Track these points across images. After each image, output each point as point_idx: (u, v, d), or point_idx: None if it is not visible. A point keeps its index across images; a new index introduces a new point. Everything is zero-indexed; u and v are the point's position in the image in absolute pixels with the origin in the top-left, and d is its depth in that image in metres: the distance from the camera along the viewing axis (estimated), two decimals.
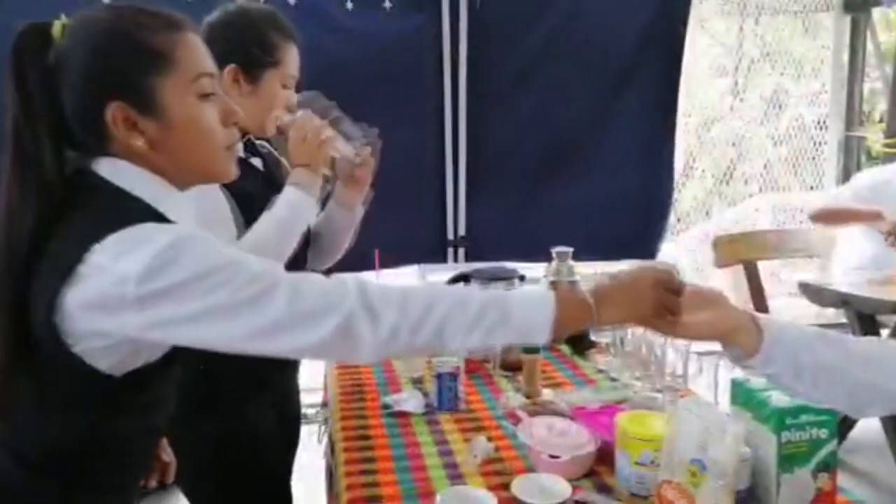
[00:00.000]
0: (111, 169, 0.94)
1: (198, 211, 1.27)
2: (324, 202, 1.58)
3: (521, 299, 0.95)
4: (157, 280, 0.83)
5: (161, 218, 0.92)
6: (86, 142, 0.94)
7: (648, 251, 3.35)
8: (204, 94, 0.97)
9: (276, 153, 1.61)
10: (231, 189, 1.35)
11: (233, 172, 1.04)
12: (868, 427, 2.87)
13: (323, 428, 1.79)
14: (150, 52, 0.92)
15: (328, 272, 1.78)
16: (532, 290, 0.97)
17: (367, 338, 0.89)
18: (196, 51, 0.98)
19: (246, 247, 1.32)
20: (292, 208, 1.38)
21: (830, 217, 3.17)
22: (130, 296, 0.83)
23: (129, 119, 0.92)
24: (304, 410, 1.74)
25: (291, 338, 0.88)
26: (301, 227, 1.41)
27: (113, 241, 0.85)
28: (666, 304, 0.97)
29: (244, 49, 1.40)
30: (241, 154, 1.45)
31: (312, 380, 2.09)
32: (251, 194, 1.39)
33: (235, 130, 1.03)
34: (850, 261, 3.27)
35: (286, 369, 1.59)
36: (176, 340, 0.91)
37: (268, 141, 1.57)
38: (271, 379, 1.51)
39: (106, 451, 0.96)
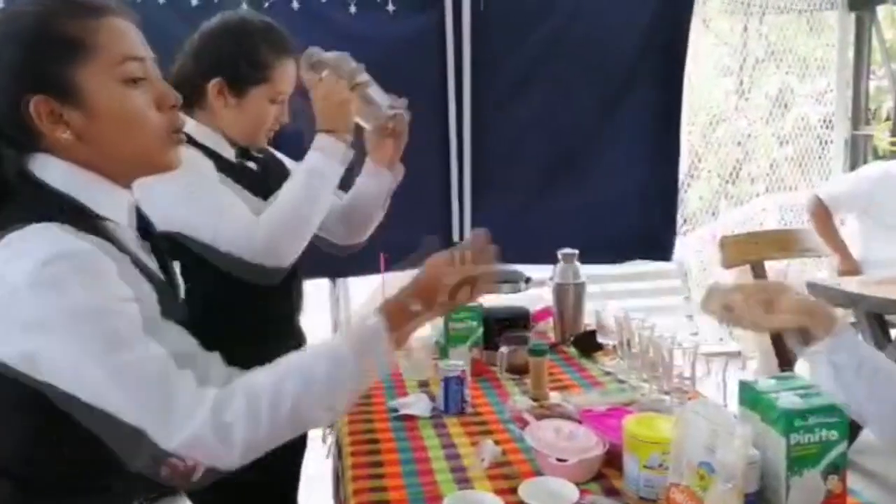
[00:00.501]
0: (42, 166, 0.91)
1: (187, 185, 1.27)
2: (345, 181, 1.52)
3: (356, 346, 1.01)
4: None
5: (88, 216, 0.90)
6: (17, 138, 0.90)
7: (657, 252, 3.34)
8: (131, 79, 0.93)
9: (277, 157, 1.61)
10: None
11: (176, 161, 1.01)
12: None
13: (328, 431, 1.79)
14: (66, 40, 0.89)
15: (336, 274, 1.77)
16: (362, 325, 1.04)
17: (223, 454, 0.92)
18: (120, 35, 0.94)
19: (268, 216, 1.33)
20: (313, 174, 1.36)
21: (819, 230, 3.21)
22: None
23: (53, 112, 0.89)
24: None
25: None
26: (325, 192, 1.38)
27: (11, 239, 0.84)
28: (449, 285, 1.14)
29: (232, 63, 1.38)
30: (233, 159, 1.45)
31: None
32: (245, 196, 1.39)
33: (176, 114, 0.99)
34: (858, 258, 3.26)
35: None
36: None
37: (264, 149, 1.57)
38: None
39: (68, 453, 0.91)
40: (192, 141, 1.39)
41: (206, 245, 1.32)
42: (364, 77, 1.44)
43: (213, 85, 1.38)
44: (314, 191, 1.36)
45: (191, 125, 1.41)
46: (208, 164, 1.35)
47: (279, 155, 1.63)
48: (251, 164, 1.49)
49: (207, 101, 1.40)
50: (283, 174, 1.59)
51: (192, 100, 1.41)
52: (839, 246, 3.15)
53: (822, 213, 3.20)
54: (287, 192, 1.35)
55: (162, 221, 1.33)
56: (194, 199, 1.31)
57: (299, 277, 1.53)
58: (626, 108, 3.18)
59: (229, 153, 1.44)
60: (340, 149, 1.38)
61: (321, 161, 1.37)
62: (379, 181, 1.61)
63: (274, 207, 1.33)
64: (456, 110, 3.07)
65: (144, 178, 1.02)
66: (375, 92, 1.47)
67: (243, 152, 1.48)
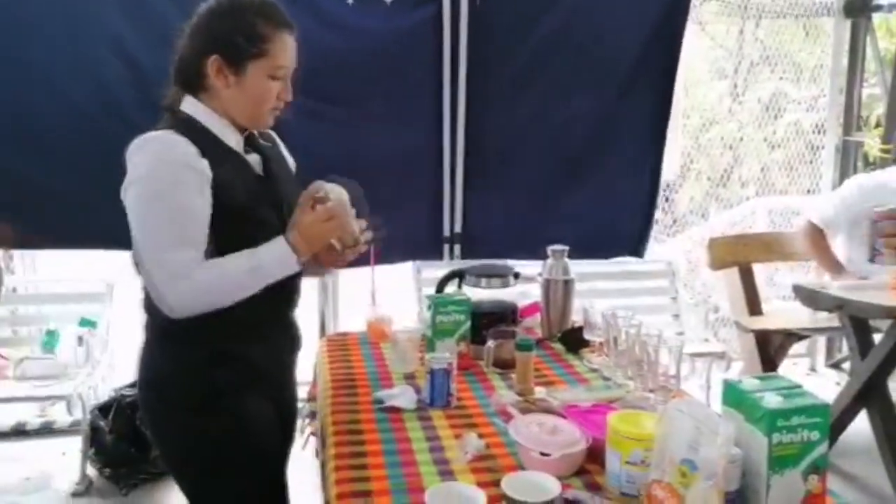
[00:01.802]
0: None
1: (149, 201, 1.32)
2: None
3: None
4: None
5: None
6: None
7: (635, 250, 3.38)
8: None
9: (282, 151, 1.60)
10: (218, 177, 1.34)
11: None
12: (859, 431, 2.88)
13: (306, 421, 1.79)
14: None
15: None
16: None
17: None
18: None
19: (210, 269, 1.32)
20: (277, 265, 1.36)
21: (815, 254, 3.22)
22: None
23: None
24: (300, 405, 1.73)
25: None
26: (273, 280, 1.37)
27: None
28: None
29: (228, 38, 1.36)
30: (237, 148, 1.44)
31: (303, 373, 2.09)
32: (236, 188, 1.37)
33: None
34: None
35: (284, 363, 1.59)
36: None
37: (272, 138, 1.56)
38: (269, 373, 1.50)
39: None
40: (197, 126, 1.38)
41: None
42: (350, 213, 1.44)
43: (211, 62, 1.36)
44: (250, 285, 1.35)
45: (198, 109, 1.40)
46: (190, 185, 1.32)
47: (283, 147, 1.61)
48: (255, 156, 1.47)
49: (209, 81, 1.38)
50: (286, 167, 1.58)
51: (195, 83, 1.40)
52: (836, 268, 3.16)
53: (818, 238, 3.19)
54: (227, 277, 1.34)
55: (130, 215, 1.33)
56: (151, 223, 1.32)
57: (300, 274, 1.53)
58: (620, 109, 3.20)
59: (235, 141, 1.43)
60: (294, 266, 1.38)
61: (272, 265, 1.36)
62: (312, 271, 1.58)
63: (207, 282, 1.32)
64: (450, 105, 3.07)
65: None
66: (352, 226, 1.46)
67: (248, 140, 1.47)
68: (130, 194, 1.32)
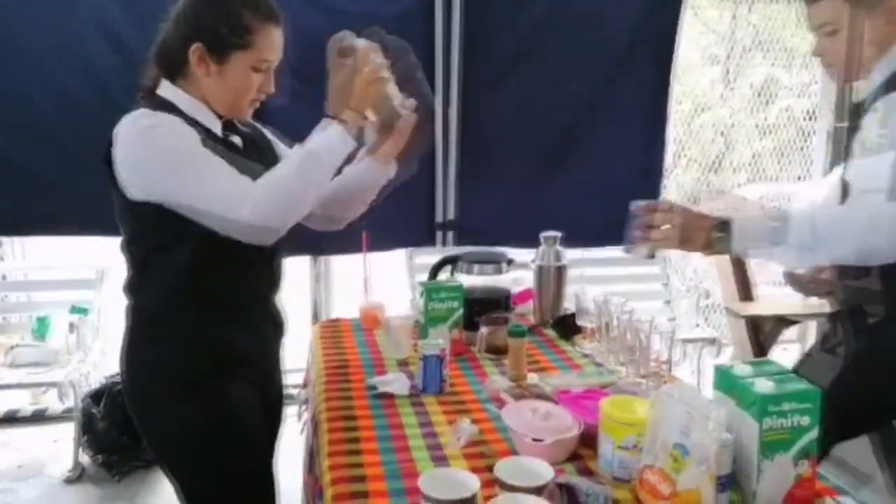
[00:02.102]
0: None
1: (169, 156, 1.30)
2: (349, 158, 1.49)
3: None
4: None
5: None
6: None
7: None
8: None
9: (262, 132, 1.59)
10: None
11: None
12: None
13: (303, 408, 1.79)
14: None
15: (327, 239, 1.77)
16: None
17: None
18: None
19: (270, 175, 1.31)
20: (329, 141, 1.34)
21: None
22: None
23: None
24: (287, 391, 1.73)
25: None
26: (320, 176, 1.35)
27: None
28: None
29: (212, 26, 1.34)
30: (219, 133, 1.43)
31: (296, 360, 2.09)
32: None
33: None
34: None
35: (268, 348, 1.59)
36: None
37: (249, 123, 1.55)
38: (252, 357, 1.50)
39: None
40: (178, 111, 1.37)
41: (194, 212, 1.31)
42: (387, 73, 1.41)
43: (193, 50, 1.34)
44: (310, 172, 1.33)
45: (177, 95, 1.39)
46: (191, 132, 1.32)
47: (266, 131, 1.60)
48: (236, 139, 1.46)
49: (189, 68, 1.37)
50: (269, 150, 1.56)
51: (176, 68, 1.39)
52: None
53: None
54: (281, 168, 1.33)
55: (142, 190, 1.31)
56: (176, 170, 1.29)
57: (279, 255, 1.52)
58: (615, 94, 3.18)
59: (215, 125, 1.42)
60: (343, 142, 1.36)
61: (324, 144, 1.35)
62: (371, 174, 1.57)
63: (265, 183, 1.30)
64: (444, 91, 3.05)
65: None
66: (391, 90, 1.44)
67: (227, 125, 1.46)
68: (142, 166, 1.30)
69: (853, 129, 1.50)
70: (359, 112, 1.40)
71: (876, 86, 1.47)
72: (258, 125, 1.58)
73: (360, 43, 1.40)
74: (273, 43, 1.39)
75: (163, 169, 1.30)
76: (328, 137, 1.35)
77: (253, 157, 1.47)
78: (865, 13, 1.44)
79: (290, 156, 1.36)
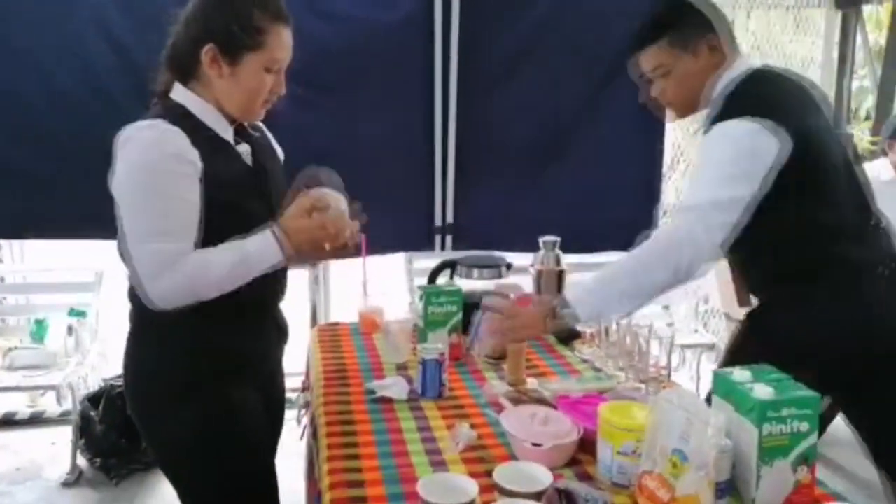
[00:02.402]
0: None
1: (142, 189, 1.30)
2: None
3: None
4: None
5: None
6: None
7: (634, 241, 3.36)
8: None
9: (270, 140, 1.59)
10: (209, 167, 1.33)
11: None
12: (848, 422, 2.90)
13: (302, 412, 1.79)
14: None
15: None
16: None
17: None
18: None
19: (197, 260, 1.31)
20: (265, 259, 1.34)
21: None
22: None
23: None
24: (287, 394, 1.73)
25: None
26: (258, 274, 1.36)
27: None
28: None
29: (224, 27, 1.34)
30: (229, 138, 1.43)
31: (295, 363, 2.09)
32: (225, 179, 1.36)
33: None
34: None
35: (270, 352, 1.59)
36: None
37: (260, 128, 1.55)
38: (253, 361, 1.50)
39: None
40: (190, 116, 1.36)
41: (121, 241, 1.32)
42: (344, 209, 1.43)
43: (205, 52, 1.34)
44: (235, 277, 1.34)
45: (189, 98, 1.38)
46: (184, 168, 1.30)
47: (271, 138, 1.60)
48: (245, 147, 1.46)
49: (202, 70, 1.37)
50: (275, 159, 1.57)
51: (188, 71, 1.38)
52: None
53: None
54: (212, 261, 1.32)
55: (117, 205, 1.32)
56: (133, 201, 1.30)
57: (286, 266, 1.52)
58: (613, 98, 3.18)
59: (225, 131, 1.42)
60: (280, 260, 1.36)
61: (259, 259, 1.34)
62: (299, 263, 1.55)
63: (190, 273, 1.30)
64: (442, 95, 3.05)
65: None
66: (346, 234, 1.44)
67: (238, 130, 1.46)
68: (119, 183, 1.31)
69: None
70: (305, 254, 1.40)
71: (706, 117, 1.62)
72: (265, 130, 1.58)
73: (332, 197, 1.41)
74: (283, 43, 1.39)
75: (125, 192, 1.30)
76: (269, 255, 1.34)
77: (259, 169, 1.47)
78: (690, 53, 1.61)
79: (225, 253, 1.33)
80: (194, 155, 1.31)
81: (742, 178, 1.45)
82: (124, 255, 1.33)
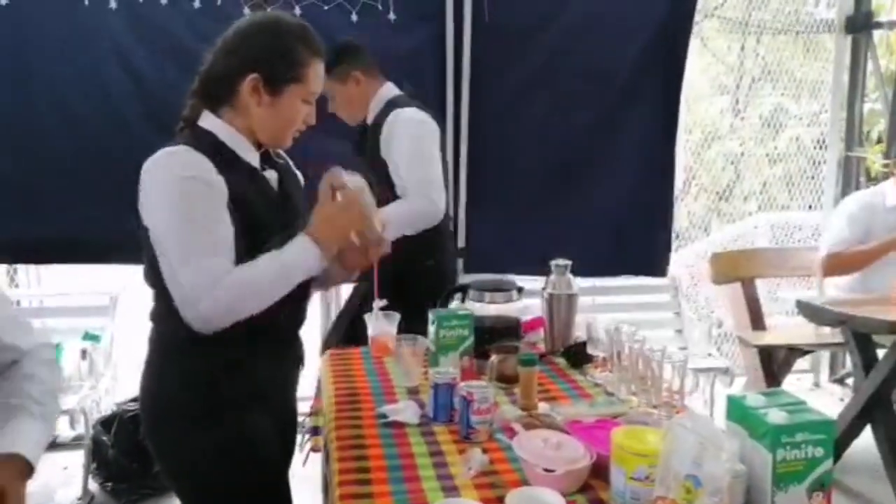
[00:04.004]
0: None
1: (179, 217, 1.32)
2: None
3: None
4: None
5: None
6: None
7: (650, 268, 3.35)
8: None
9: (292, 167, 1.61)
10: (236, 194, 1.35)
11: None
12: (864, 448, 2.87)
13: (306, 437, 1.78)
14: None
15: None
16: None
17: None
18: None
19: (239, 276, 1.32)
20: (303, 263, 1.36)
21: (858, 262, 3.15)
22: None
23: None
24: (300, 419, 1.73)
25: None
26: (299, 280, 1.38)
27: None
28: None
29: (268, 60, 1.38)
30: (256, 164, 1.45)
31: (305, 388, 2.09)
32: (253, 204, 1.39)
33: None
34: (841, 279, 3.28)
35: (287, 380, 1.59)
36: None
37: (283, 156, 1.57)
38: (270, 388, 1.50)
39: None
40: (217, 142, 1.39)
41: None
42: (373, 210, 1.46)
43: (248, 81, 1.37)
44: (277, 286, 1.35)
45: (218, 126, 1.41)
46: (214, 192, 1.33)
47: (292, 164, 1.63)
48: (272, 174, 1.49)
49: (239, 98, 1.39)
50: (297, 184, 1.60)
51: (222, 98, 1.41)
52: (878, 246, 3.11)
53: (840, 260, 3.18)
54: (252, 274, 1.34)
55: (151, 232, 1.33)
56: (170, 229, 1.32)
57: (309, 293, 1.53)
58: (624, 124, 3.20)
59: (252, 158, 1.44)
60: (318, 262, 1.38)
61: (298, 264, 1.37)
62: (333, 275, 1.58)
63: (235, 284, 1.31)
64: (454, 121, 3.09)
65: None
66: (375, 224, 1.48)
67: (264, 157, 1.48)
68: (154, 208, 1.33)
69: None
70: (339, 244, 1.42)
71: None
72: (287, 158, 1.61)
73: (351, 181, 1.44)
74: (320, 77, 1.44)
75: (160, 219, 1.32)
76: (306, 258, 1.37)
77: (285, 194, 1.50)
78: (345, 83, 2.38)
79: (264, 263, 1.35)
80: (220, 182, 1.33)
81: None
82: (165, 279, 1.33)
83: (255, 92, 1.38)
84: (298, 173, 1.63)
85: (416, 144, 2.30)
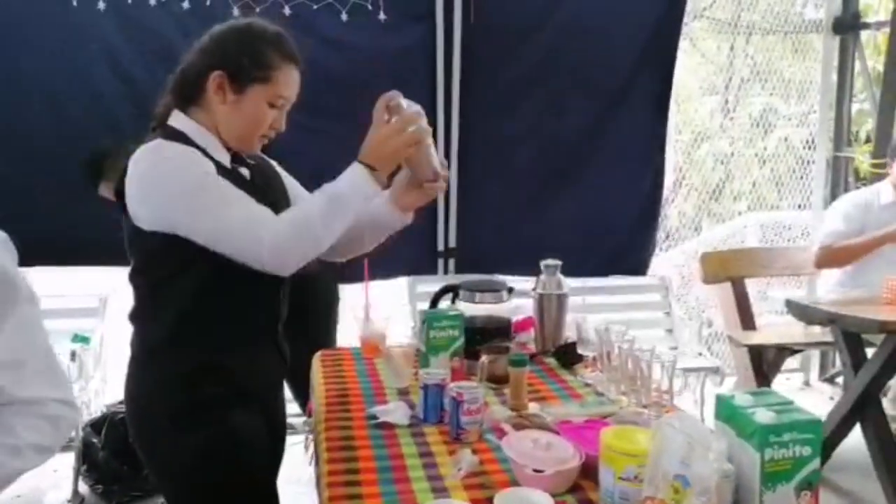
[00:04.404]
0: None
1: (184, 187, 1.32)
2: None
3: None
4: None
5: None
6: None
7: (635, 267, 3.37)
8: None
9: (270, 163, 1.61)
10: None
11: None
12: (854, 446, 2.88)
13: (309, 437, 1.78)
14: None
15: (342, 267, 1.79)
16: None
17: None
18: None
19: (280, 226, 1.32)
20: (355, 189, 1.36)
21: (851, 254, 3.16)
22: None
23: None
24: (290, 420, 1.73)
25: None
26: (355, 210, 1.38)
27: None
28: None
29: (235, 58, 1.38)
30: (228, 165, 1.45)
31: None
32: None
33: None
34: (830, 278, 3.30)
35: (271, 378, 1.59)
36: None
37: (256, 156, 1.57)
38: (254, 386, 1.50)
39: None
40: (189, 142, 1.38)
41: (212, 243, 1.32)
42: (429, 140, 1.45)
43: (213, 77, 1.37)
44: (332, 216, 1.35)
45: (188, 125, 1.41)
46: (206, 163, 1.34)
47: (273, 162, 1.62)
48: (244, 171, 1.48)
49: (206, 96, 1.39)
50: (277, 181, 1.59)
51: (191, 96, 1.41)
52: (871, 240, 3.12)
53: (833, 251, 3.19)
54: (307, 208, 1.36)
55: (155, 222, 1.33)
56: (192, 204, 1.31)
57: (285, 287, 1.53)
58: (613, 125, 3.22)
59: (223, 157, 1.43)
60: (372, 188, 1.38)
61: (350, 190, 1.37)
62: (389, 220, 1.59)
63: (288, 220, 1.33)
64: (444, 122, 3.09)
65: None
66: (432, 155, 1.47)
67: (235, 158, 1.48)
68: (155, 199, 1.33)
69: None
70: (389, 168, 1.42)
71: None
72: (266, 157, 1.60)
73: (408, 105, 1.43)
74: (290, 81, 1.43)
75: (179, 202, 1.32)
76: (358, 182, 1.37)
77: (261, 189, 1.49)
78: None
79: (315, 196, 1.37)
80: (210, 165, 1.35)
81: None
82: (212, 245, 1.32)
83: (219, 89, 1.38)
84: (273, 162, 1.62)
85: None
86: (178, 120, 1.42)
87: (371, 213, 1.54)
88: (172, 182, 1.32)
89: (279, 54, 1.40)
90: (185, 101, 1.42)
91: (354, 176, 1.37)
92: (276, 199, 1.51)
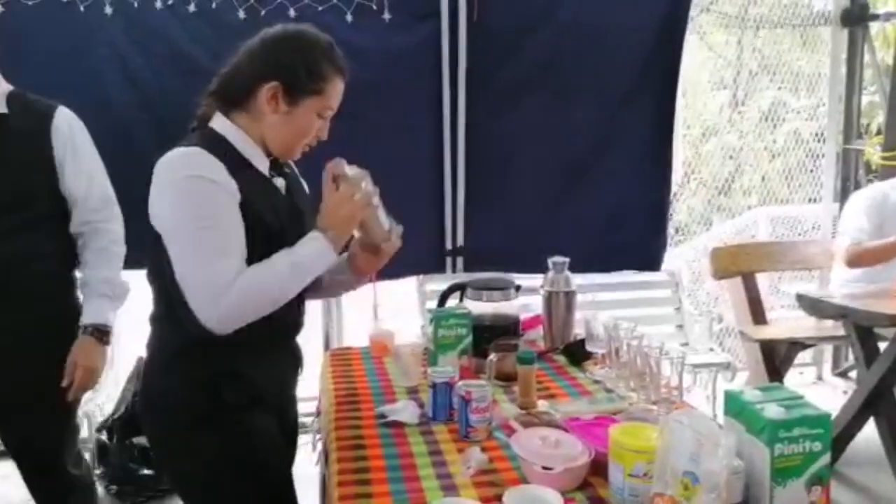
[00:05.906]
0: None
1: (190, 219, 1.30)
2: None
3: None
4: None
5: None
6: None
7: (648, 262, 3.35)
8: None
9: (299, 177, 1.61)
10: (246, 198, 1.35)
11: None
12: (867, 440, 2.86)
13: (317, 437, 1.79)
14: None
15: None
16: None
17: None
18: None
19: (252, 276, 1.32)
20: (298, 267, 1.37)
21: (876, 255, 3.13)
22: None
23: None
24: (300, 419, 1.73)
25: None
26: (313, 276, 1.40)
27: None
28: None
29: (291, 70, 1.38)
30: (266, 172, 1.45)
31: (308, 388, 2.09)
32: (265, 209, 1.39)
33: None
34: (845, 273, 3.27)
35: (286, 383, 1.60)
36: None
37: (291, 166, 1.57)
38: (270, 390, 1.50)
39: None
40: (227, 146, 1.39)
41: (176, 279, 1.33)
42: (376, 201, 1.48)
43: (267, 88, 1.37)
44: (291, 283, 1.37)
45: (229, 129, 1.41)
46: (224, 192, 1.33)
47: (298, 173, 1.63)
48: (280, 181, 1.49)
49: (255, 104, 1.39)
50: (304, 194, 1.60)
51: (237, 102, 1.41)
52: (891, 242, 3.09)
53: (866, 250, 3.16)
54: (279, 260, 1.36)
55: (158, 228, 1.34)
56: (186, 236, 1.32)
57: (303, 297, 1.53)
58: (620, 121, 3.20)
59: (262, 164, 1.44)
60: (332, 255, 1.40)
61: (310, 258, 1.38)
62: (344, 283, 1.62)
63: (246, 286, 1.32)
64: (450, 120, 3.08)
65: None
66: (381, 216, 1.50)
67: (273, 165, 1.48)
68: (165, 211, 1.34)
69: None
70: (347, 233, 1.44)
71: None
72: (293, 166, 1.61)
73: (352, 171, 1.45)
74: (338, 93, 1.45)
75: (177, 227, 1.33)
76: (317, 252, 1.38)
77: (294, 198, 1.51)
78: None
79: (278, 260, 1.36)
80: (231, 183, 1.34)
81: None
82: (178, 280, 1.32)
83: (273, 99, 1.38)
84: (304, 182, 1.63)
85: None
86: (220, 123, 1.41)
87: (330, 274, 1.56)
88: (179, 208, 1.32)
89: (332, 66, 1.42)
90: (229, 105, 1.42)
91: (315, 244, 1.38)
92: (305, 208, 1.53)
